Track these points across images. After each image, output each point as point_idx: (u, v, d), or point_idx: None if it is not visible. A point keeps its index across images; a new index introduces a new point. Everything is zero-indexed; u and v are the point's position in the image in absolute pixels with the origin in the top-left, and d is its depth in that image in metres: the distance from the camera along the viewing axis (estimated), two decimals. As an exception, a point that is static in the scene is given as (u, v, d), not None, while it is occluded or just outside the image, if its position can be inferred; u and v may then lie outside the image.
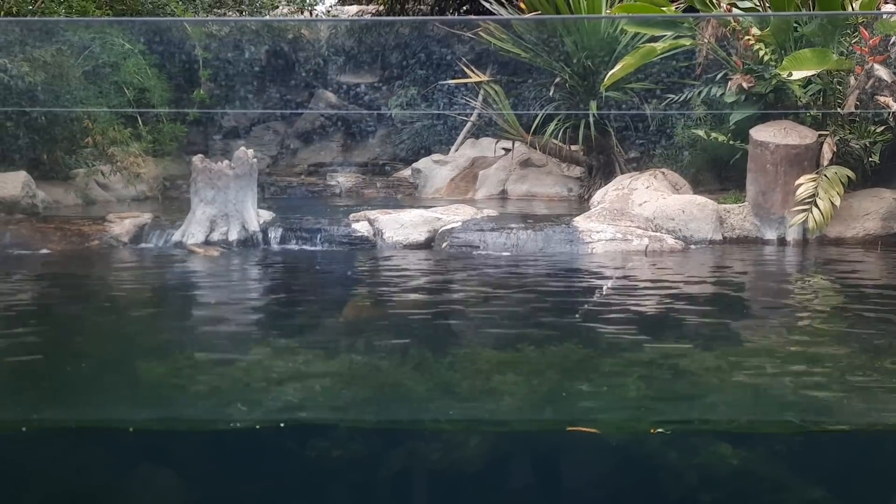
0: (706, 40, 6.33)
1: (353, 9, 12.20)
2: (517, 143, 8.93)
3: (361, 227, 5.66)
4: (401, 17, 11.52)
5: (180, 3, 8.21)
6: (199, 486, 2.33)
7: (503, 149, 9.40)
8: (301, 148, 11.78)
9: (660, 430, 2.10)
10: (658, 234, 5.46)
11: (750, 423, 2.50)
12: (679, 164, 7.97)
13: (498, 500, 2.40)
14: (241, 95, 10.49)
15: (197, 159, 5.67)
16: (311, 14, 11.08)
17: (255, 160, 5.71)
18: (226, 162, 5.64)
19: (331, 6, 11.99)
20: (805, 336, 3.30)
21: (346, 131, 11.64)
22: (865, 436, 2.52)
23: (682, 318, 3.61)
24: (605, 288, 4.29)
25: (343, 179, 9.87)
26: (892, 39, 5.53)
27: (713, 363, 2.82)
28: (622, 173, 7.96)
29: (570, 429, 2.13)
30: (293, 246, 5.56)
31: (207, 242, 5.40)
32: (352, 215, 5.92)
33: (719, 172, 7.87)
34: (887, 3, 5.96)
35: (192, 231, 5.46)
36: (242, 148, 5.79)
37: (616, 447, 2.16)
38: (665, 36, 6.36)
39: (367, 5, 12.12)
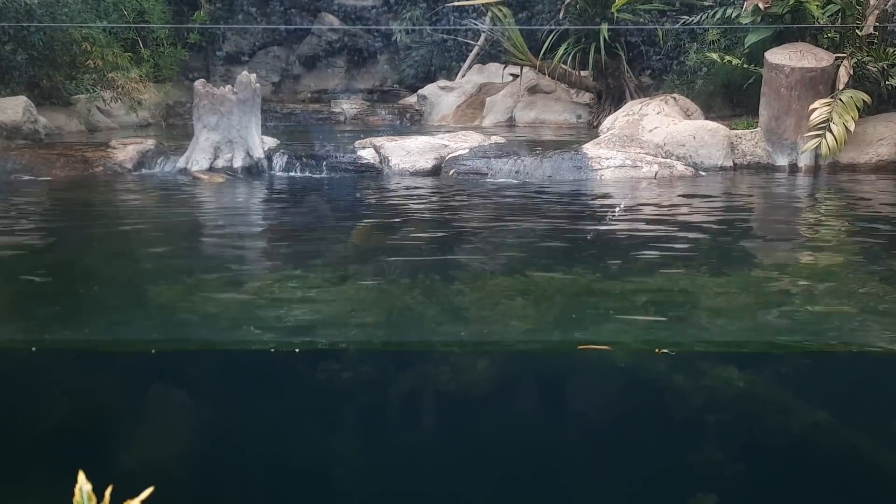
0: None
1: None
2: (525, 69, 8.74)
3: (367, 154, 5.60)
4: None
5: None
6: (210, 407, 2.37)
7: (511, 74, 9.20)
8: (304, 73, 11.57)
9: (664, 350, 2.10)
10: (668, 160, 5.38)
11: (757, 344, 2.51)
12: (691, 89, 7.80)
13: (506, 421, 2.43)
14: (242, 17, 10.23)
15: (199, 84, 5.56)
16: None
17: (257, 85, 5.60)
18: (228, 87, 5.54)
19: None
20: (813, 261, 3.28)
21: (350, 56, 11.41)
22: (871, 357, 2.53)
23: (690, 244, 3.59)
24: (617, 209, 4.25)
25: (347, 106, 9.72)
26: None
27: (720, 287, 2.81)
28: (632, 99, 7.81)
29: (581, 347, 2.13)
30: (298, 173, 5.51)
31: (212, 169, 5.35)
32: (357, 142, 5.85)
33: (732, 97, 7.71)
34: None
35: (196, 157, 5.41)
36: (245, 73, 5.67)
37: (624, 369, 2.17)
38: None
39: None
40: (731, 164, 5.59)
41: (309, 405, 2.37)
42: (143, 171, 5.54)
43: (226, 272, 3.02)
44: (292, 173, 5.51)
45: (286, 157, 5.57)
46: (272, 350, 2.25)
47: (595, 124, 8.01)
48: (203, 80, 5.84)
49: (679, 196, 4.84)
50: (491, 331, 2.39)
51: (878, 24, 5.34)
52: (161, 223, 4.17)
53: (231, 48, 11.03)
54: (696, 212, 4.51)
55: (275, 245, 3.68)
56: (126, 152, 5.58)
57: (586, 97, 9.07)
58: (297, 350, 2.27)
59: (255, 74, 5.71)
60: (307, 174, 5.51)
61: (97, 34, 6.86)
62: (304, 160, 5.58)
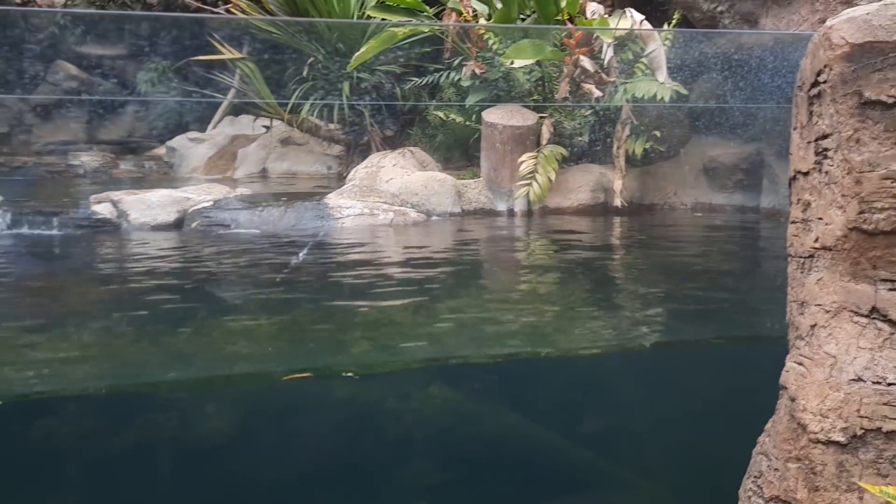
0: (450, 28, 6.86)
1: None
2: (277, 122, 8.96)
3: (104, 209, 5.44)
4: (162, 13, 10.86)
5: None
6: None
7: (263, 126, 9.37)
8: (38, 124, 10.77)
9: (349, 373, 2.41)
10: (403, 208, 5.88)
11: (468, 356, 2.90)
12: (432, 142, 8.54)
13: (238, 457, 2.58)
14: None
15: None
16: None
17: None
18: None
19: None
20: (525, 285, 3.85)
21: (91, 107, 10.84)
22: (562, 361, 3.03)
23: (414, 278, 4.00)
24: (300, 255, 4.56)
25: (88, 159, 9.22)
26: (595, 34, 6.38)
27: (431, 312, 3.21)
28: (378, 151, 8.34)
29: (285, 378, 2.36)
30: (26, 230, 5.20)
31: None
32: (93, 196, 5.65)
33: (466, 150, 8.56)
34: (592, 1, 6.85)
35: None
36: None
37: (329, 394, 2.44)
38: (409, 22, 6.76)
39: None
40: (459, 210, 6.23)
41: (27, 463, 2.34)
42: None
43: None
44: (19, 230, 5.19)
45: (10, 214, 5.24)
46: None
47: (344, 175, 8.42)
48: None
49: (410, 239, 5.32)
50: (213, 372, 2.54)
51: (568, 89, 6.31)
52: None
53: (-55, 96, 9.99)
54: (422, 250, 5.00)
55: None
56: None
57: (337, 149, 9.48)
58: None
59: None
60: (36, 231, 5.22)
61: None
62: (32, 217, 5.28)
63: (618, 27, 6.23)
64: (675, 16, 6.63)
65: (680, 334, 2.98)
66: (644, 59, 6.38)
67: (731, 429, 2.05)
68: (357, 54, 6.68)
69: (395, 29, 6.57)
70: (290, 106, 8.39)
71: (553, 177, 6.05)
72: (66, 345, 2.78)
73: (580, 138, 6.45)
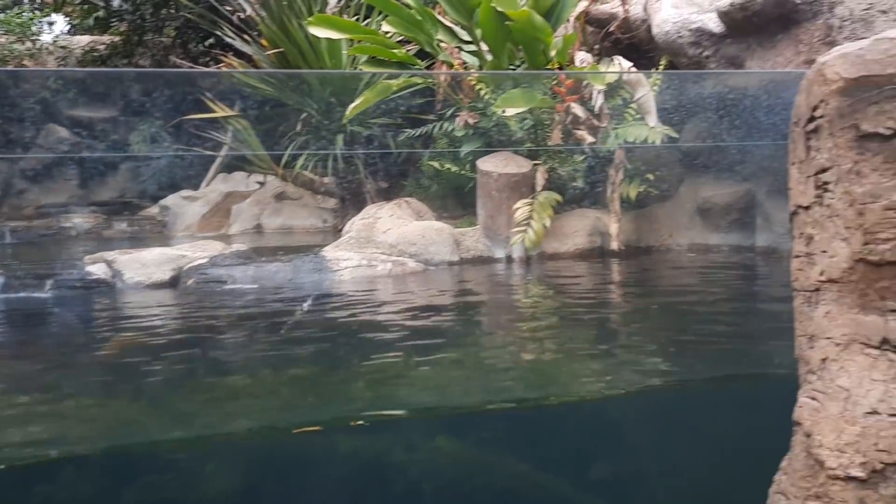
0: (442, 79, 6.97)
1: (85, 39, 11.50)
2: (271, 177, 9.02)
3: (98, 269, 5.42)
4: (144, 70, 11.06)
5: None
6: None
7: (257, 182, 9.43)
8: (29, 187, 10.82)
9: (360, 422, 2.37)
10: (401, 258, 5.87)
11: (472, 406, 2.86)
12: (427, 192, 8.59)
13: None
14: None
15: None
16: (33, 44, 10.27)
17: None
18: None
19: (57, 36, 11.20)
20: (526, 332, 3.82)
21: (83, 168, 10.90)
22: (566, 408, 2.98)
23: (416, 327, 3.97)
24: (303, 307, 4.54)
25: (80, 220, 9.23)
26: (585, 81, 6.49)
27: (436, 361, 3.17)
28: (372, 203, 8.38)
29: (295, 431, 2.32)
30: (18, 294, 5.16)
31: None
32: (87, 257, 5.64)
33: (461, 199, 8.60)
34: (580, 51, 6.99)
35: None
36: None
37: (340, 446, 2.39)
38: (401, 74, 6.87)
39: (102, 35, 11.50)
40: (457, 258, 6.22)
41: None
42: None
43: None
44: (11, 294, 5.15)
45: (2, 277, 5.21)
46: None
47: (340, 228, 8.43)
48: None
49: (409, 289, 5.30)
50: (216, 428, 2.49)
51: (561, 136, 6.39)
52: None
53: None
54: (421, 299, 4.98)
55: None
56: None
57: (332, 202, 9.52)
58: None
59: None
60: (30, 294, 5.18)
61: None
62: (25, 280, 5.25)
63: (607, 71, 6.34)
64: (662, 62, 6.76)
65: (687, 374, 2.95)
66: (633, 105, 6.48)
67: (746, 469, 2.01)
68: (352, 105, 6.77)
69: (389, 81, 6.67)
70: (283, 160, 8.45)
71: (548, 223, 6.07)
72: (62, 407, 2.73)
73: (575, 184, 6.49)
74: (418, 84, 7.13)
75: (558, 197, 6.32)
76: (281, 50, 7.99)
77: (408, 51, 7.37)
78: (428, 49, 7.07)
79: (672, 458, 2.36)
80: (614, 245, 6.32)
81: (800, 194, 1.95)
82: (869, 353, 1.71)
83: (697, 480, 2.35)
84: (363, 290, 5.20)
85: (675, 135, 6.28)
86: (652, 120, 6.26)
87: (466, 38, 7.10)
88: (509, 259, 6.35)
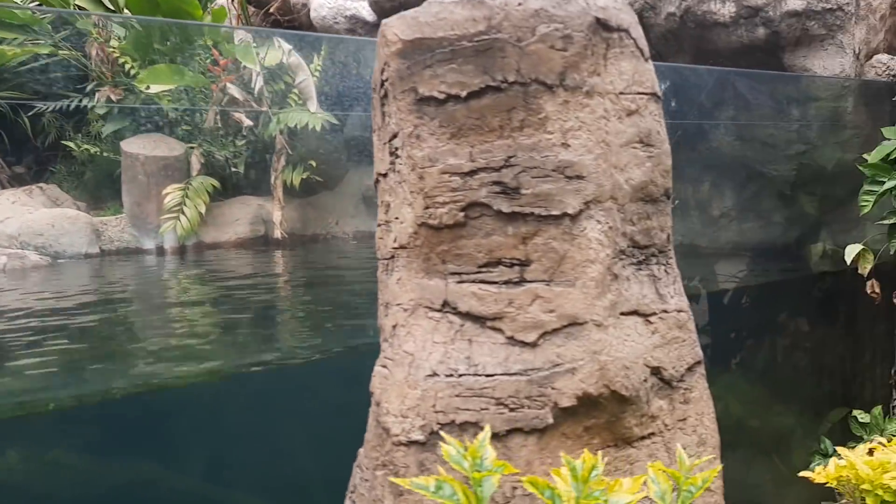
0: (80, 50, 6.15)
1: None
2: None
3: None
4: None
5: None
6: None
7: None
8: None
9: None
10: (21, 251, 5.07)
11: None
12: (80, 180, 7.57)
13: None
14: None
15: None
16: None
17: None
18: None
19: None
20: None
21: None
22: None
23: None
24: None
25: None
26: (243, 64, 6.20)
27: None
28: (6, 189, 7.18)
29: None
30: None
31: None
32: None
33: (118, 187, 7.75)
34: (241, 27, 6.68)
35: None
36: None
37: None
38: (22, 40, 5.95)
39: None
40: (97, 250, 5.55)
41: None
42: None
43: None
44: None
45: None
46: None
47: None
48: None
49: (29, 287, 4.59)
50: None
51: (217, 118, 6.03)
52: None
53: None
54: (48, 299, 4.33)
55: None
56: None
57: (-48, 190, 8.00)
58: None
59: None
60: None
61: None
62: None
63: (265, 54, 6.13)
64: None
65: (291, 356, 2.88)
66: (296, 90, 6.35)
67: (340, 447, 1.95)
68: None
69: (3, 47, 5.72)
70: None
71: (203, 210, 5.70)
72: None
73: (235, 170, 6.18)
74: (42, 53, 6.22)
75: (215, 182, 5.95)
76: None
77: (41, 16, 6.39)
78: (64, 14, 6.21)
79: (267, 438, 2.25)
80: (278, 233, 6.14)
81: (379, 162, 1.92)
82: (432, 317, 1.72)
83: (288, 460, 2.26)
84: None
85: (335, 121, 6.29)
86: (313, 105, 6.19)
87: (111, 6, 6.39)
88: (160, 250, 5.83)
